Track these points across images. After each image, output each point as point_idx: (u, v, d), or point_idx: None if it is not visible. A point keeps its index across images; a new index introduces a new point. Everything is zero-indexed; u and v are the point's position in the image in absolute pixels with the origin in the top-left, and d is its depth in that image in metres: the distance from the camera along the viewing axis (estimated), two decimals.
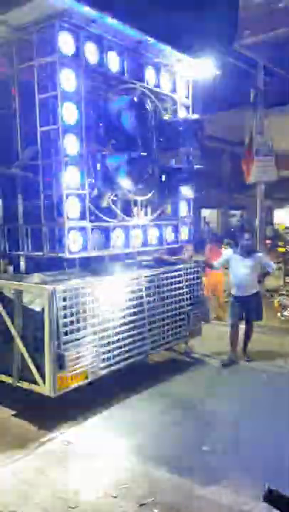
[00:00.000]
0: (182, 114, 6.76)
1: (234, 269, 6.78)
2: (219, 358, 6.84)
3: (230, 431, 4.73)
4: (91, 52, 5.29)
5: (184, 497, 3.70)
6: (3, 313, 5.11)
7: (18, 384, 5.01)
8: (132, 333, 5.57)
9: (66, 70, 4.97)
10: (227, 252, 7.29)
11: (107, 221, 5.61)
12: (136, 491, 3.75)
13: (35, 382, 4.82)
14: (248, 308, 6.78)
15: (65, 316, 4.75)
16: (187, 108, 6.89)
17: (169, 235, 6.68)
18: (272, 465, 4.04)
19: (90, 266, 5.68)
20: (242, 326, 6.88)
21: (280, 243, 14.58)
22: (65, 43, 4.97)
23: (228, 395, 5.62)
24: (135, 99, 5.60)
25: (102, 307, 5.17)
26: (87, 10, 4.92)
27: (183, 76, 6.75)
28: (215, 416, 5.06)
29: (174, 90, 6.64)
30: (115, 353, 5.32)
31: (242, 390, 5.78)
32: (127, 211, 6.04)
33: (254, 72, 11.74)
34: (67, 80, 4.98)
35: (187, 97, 6.90)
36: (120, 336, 5.39)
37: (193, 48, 6.76)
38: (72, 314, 4.83)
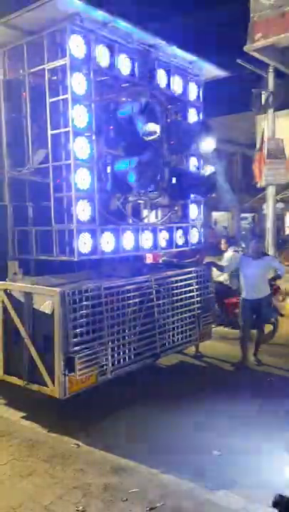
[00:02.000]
0: (193, 116, 6.75)
1: (244, 272, 6.74)
2: (229, 362, 6.80)
3: (239, 435, 4.69)
4: (102, 55, 5.31)
5: (193, 502, 3.67)
6: (14, 316, 5.13)
7: (28, 386, 5.03)
8: (141, 336, 5.56)
9: (77, 74, 4.99)
10: (237, 255, 7.26)
11: (117, 224, 5.61)
12: (146, 495, 3.72)
13: (44, 385, 4.84)
14: (258, 311, 6.73)
15: (74, 319, 4.76)
16: (198, 110, 6.87)
17: (179, 237, 6.65)
18: (283, 470, 4.00)
19: (99, 268, 5.68)
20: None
21: None
22: (76, 46, 4.98)
23: (238, 398, 5.57)
24: (146, 101, 5.60)
25: (111, 310, 5.16)
26: (98, 13, 4.94)
27: (194, 78, 6.74)
28: (226, 420, 5.02)
29: (185, 92, 6.63)
30: (125, 355, 5.31)
31: (251, 393, 5.72)
32: (137, 214, 6.03)
33: (265, 75, 11.72)
34: (78, 83, 5.00)
35: (198, 99, 6.89)
36: (130, 339, 5.38)
37: (204, 50, 6.75)
38: (81, 317, 4.83)
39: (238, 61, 11.03)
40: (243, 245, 12.30)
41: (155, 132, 5.29)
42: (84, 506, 3.59)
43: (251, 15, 10.37)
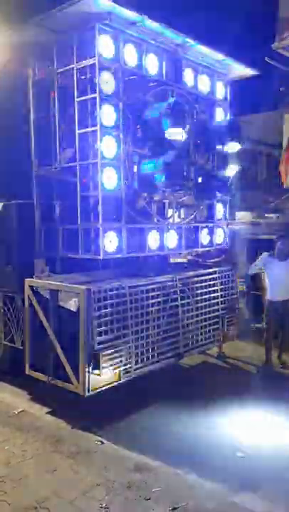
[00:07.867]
0: (220, 115, 6.70)
1: (269, 273, 6.66)
2: (253, 363, 6.74)
3: (263, 438, 4.66)
4: (130, 54, 5.32)
5: (217, 503, 3.65)
6: (40, 312, 5.19)
7: (53, 382, 5.09)
8: (165, 335, 5.56)
9: (105, 73, 5.01)
10: (263, 256, 7.17)
11: (143, 223, 5.62)
12: (168, 495, 3.72)
13: (69, 381, 4.89)
14: (283, 313, 6.64)
15: (99, 317, 4.79)
16: (225, 109, 6.82)
17: (204, 237, 6.62)
18: None
19: (124, 267, 5.70)
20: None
21: None
22: (105, 45, 5.01)
23: (263, 401, 5.51)
24: (173, 101, 5.59)
25: (136, 308, 5.18)
26: (127, 12, 4.94)
27: (221, 77, 6.70)
28: (249, 422, 4.99)
29: (212, 92, 6.59)
30: (148, 354, 5.33)
31: (275, 396, 5.65)
32: (163, 213, 6.03)
33: None
34: (106, 82, 5.03)
35: (225, 99, 6.84)
36: (154, 338, 5.39)
37: (231, 49, 6.68)
38: (106, 315, 4.86)
39: (266, 59, 10.88)
40: None
41: (180, 135, 5.27)
42: (107, 503, 3.62)
43: (280, 12, 10.21)
